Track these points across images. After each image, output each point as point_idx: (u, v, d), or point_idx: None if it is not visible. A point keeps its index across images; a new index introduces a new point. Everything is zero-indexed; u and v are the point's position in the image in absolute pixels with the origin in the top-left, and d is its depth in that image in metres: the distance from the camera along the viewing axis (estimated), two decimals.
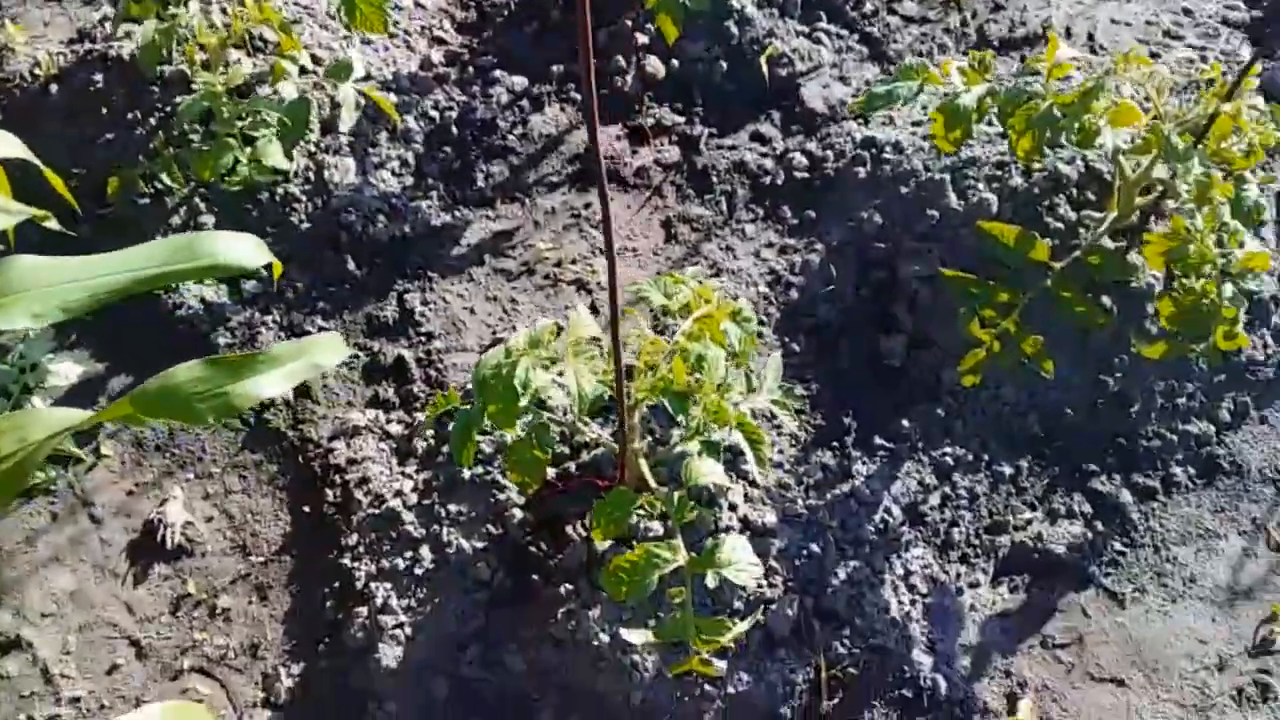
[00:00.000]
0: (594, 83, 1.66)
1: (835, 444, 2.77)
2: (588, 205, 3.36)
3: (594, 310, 3.09)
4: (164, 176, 3.10)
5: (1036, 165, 2.92)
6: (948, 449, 2.74)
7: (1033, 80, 2.60)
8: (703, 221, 3.31)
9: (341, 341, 2.25)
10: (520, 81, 3.57)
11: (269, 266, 2.11)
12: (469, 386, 2.28)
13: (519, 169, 3.44)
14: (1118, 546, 2.63)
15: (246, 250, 2.14)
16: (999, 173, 2.98)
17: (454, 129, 3.44)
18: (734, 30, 3.56)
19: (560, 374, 2.17)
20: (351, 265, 3.15)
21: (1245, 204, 2.37)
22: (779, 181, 3.33)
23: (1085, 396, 2.77)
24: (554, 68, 3.61)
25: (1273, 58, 3.46)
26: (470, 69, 3.60)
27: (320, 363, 2.16)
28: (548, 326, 2.24)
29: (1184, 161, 2.35)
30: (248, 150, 3.04)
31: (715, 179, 3.39)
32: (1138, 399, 2.76)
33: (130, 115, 3.24)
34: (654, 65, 3.57)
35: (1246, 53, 3.47)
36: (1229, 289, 2.33)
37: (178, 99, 3.17)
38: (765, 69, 3.53)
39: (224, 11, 3.38)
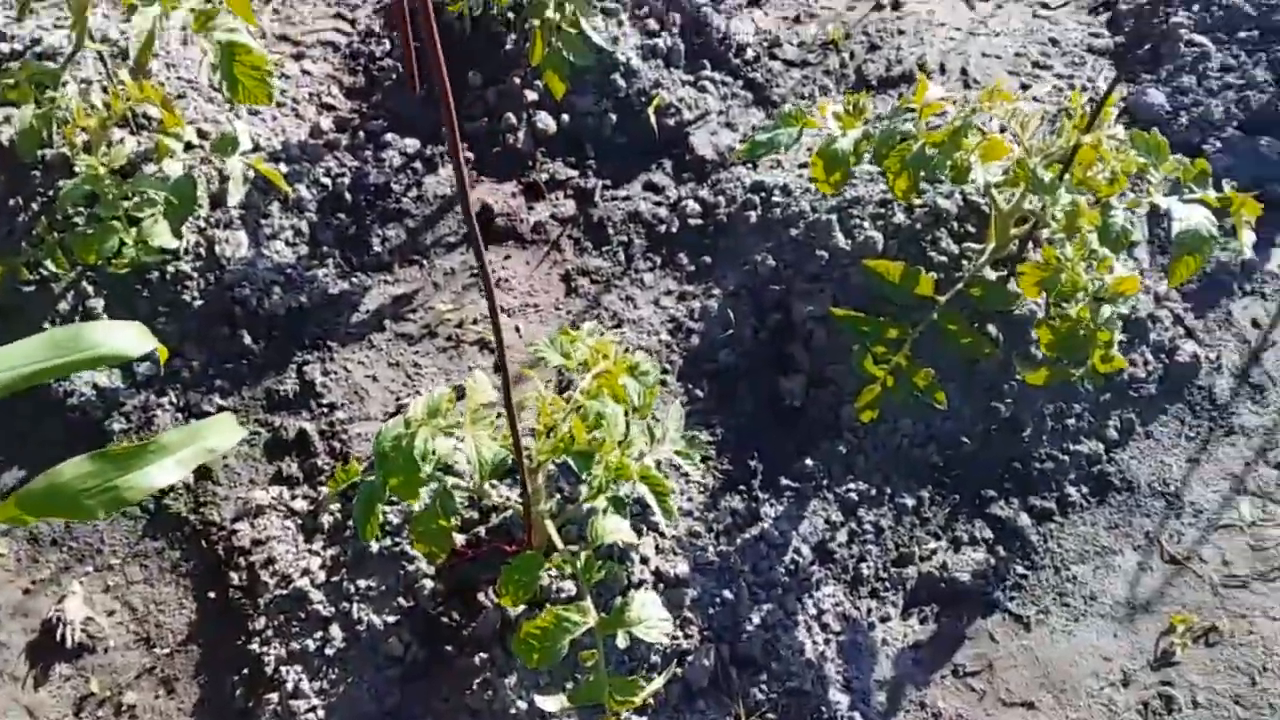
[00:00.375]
0: (460, 147, 1.67)
1: (743, 487, 2.80)
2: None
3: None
4: (49, 263, 3.03)
5: (917, 201, 3.00)
6: (852, 485, 2.78)
7: (905, 119, 2.69)
8: (602, 273, 3.34)
9: (235, 422, 2.22)
10: (412, 144, 3.57)
11: (155, 352, 2.08)
12: (373, 457, 2.27)
13: (416, 231, 3.44)
14: (1020, 570, 2.70)
15: (130, 338, 2.11)
16: (883, 210, 3.07)
17: (347, 195, 3.43)
18: (621, 83, 3.61)
19: (463, 439, 2.17)
20: (248, 340, 3.10)
21: (1112, 230, 2.47)
22: (674, 229, 3.38)
23: (979, 424, 2.85)
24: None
25: (1136, 81, 3.62)
26: (361, 134, 3.59)
27: (214, 447, 2.13)
28: (446, 394, 2.24)
29: (1051, 193, 2.44)
30: (134, 231, 2.99)
31: (612, 230, 3.42)
32: (1029, 423, 2.84)
33: (11, 201, 3.16)
34: (545, 121, 3.60)
35: (1112, 78, 3.62)
36: (1103, 313, 2.42)
37: (60, 182, 3.11)
38: (654, 119, 3.58)
39: (104, 90, 3.33)
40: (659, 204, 3.46)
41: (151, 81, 3.16)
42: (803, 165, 3.39)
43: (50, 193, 3.15)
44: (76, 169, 3.05)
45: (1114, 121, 2.65)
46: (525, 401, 2.33)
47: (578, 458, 2.22)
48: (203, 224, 3.21)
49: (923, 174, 2.60)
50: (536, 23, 3.31)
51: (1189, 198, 2.59)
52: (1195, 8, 3.71)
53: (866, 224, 3.05)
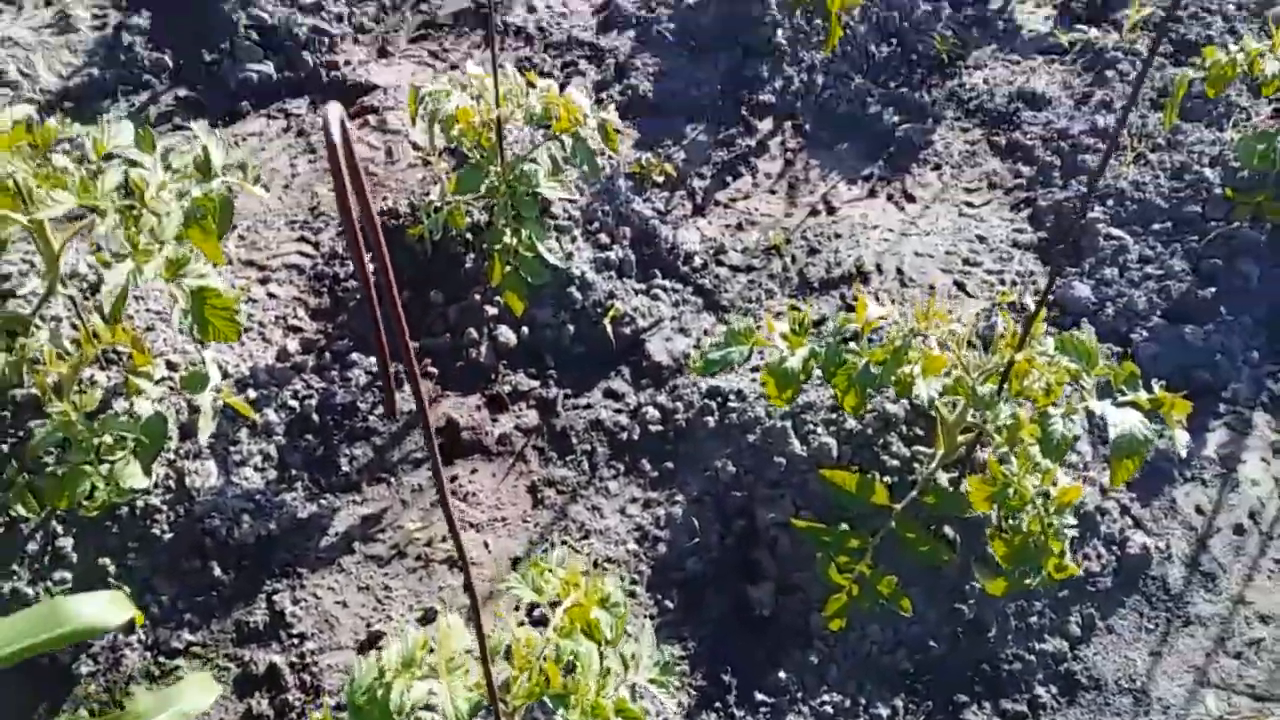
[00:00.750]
0: (417, 366, 1.76)
1: (718, 705, 2.82)
2: (454, 479, 3.43)
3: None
4: (19, 507, 3.06)
5: (866, 406, 3.13)
6: (826, 697, 2.81)
7: (848, 336, 2.84)
8: (567, 483, 3.41)
9: (211, 681, 2.24)
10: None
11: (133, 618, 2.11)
12: (344, 694, 2.27)
13: (383, 449, 3.50)
14: None
15: (107, 609, 2.14)
16: (835, 415, 3.19)
17: (315, 416, 3.50)
18: (577, 295, 3.76)
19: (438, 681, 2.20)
20: (218, 571, 3.12)
21: (1053, 439, 2.59)
22: (635, 436, 3.48)
23: (945, 627, 2.91)
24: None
25: (1062, 275, 3.84)
26: (327, 354, 3.69)
27: (189, 709, 2.15)
28: (419, 640, 2.28)
29: (991, 409, 2.58)
30: (105, 467, 3.03)
31: (575, 439, 3.51)
32: (993, 623, 2.91)
33: None
34: (505, 335, 3.73)
35: (1038, 270, 3.84)
36: (1053, 524, 2.53)
37: (30, 423, 3.17)
38: (610, 329, 3.72)
39: (74, 326, 3.42)
40: (619, 411, 3.57)
41: (123, 319, 3.25)
42: (755, 368, 3.53)
43: (21, 433, 3.20)
44: (48, 411, 3.11)
45: (1045, 317, 2.82)
46: (497, 648, 2.36)
47: (553, 699, 2.25)
48: (172, 456, 3.26)
49: (869, 390, 2.74)
50: (496, 247, 3.48)
51: (1122, 401, 2.74)
52: (1110, 203, 3.97)
53: (820, 430, 3.17)
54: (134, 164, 3.03)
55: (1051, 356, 2.65)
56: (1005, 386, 2.66)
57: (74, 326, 3.41)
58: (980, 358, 2.74)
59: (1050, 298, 3.70)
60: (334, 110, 1.24)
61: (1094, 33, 4.69)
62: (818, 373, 3.32)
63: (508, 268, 3.50)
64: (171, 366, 3.49)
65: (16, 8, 4.60)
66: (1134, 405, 2.73)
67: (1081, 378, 2.77)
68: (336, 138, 1.21)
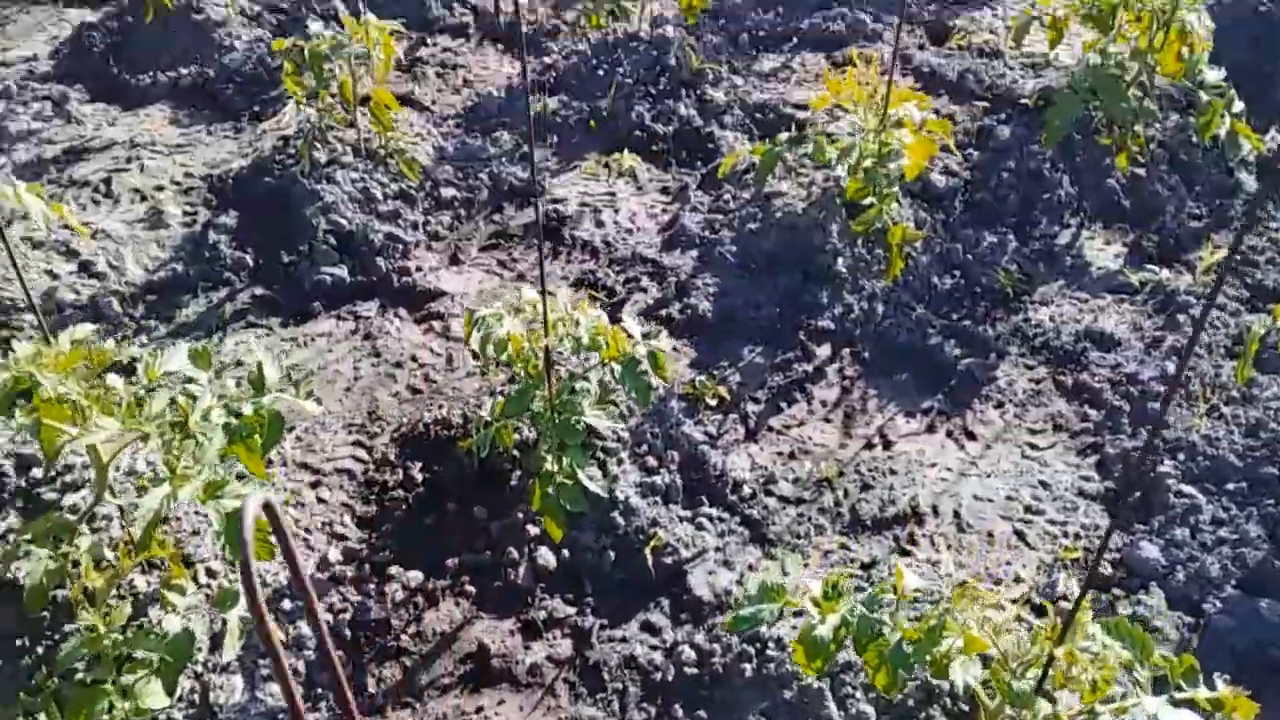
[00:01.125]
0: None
1: None
2: (479, 709, 3.34)
3: None
4: (42, 716, 3.06)
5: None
6: None
7: (883, 609, 2.71)
8: None
9: None
10: (416, 577, 3.65)
11: None
12: None
13: (411, 670, 3.43)
14: None
15: None
16: None
17: (347, 631, 3.47)
18: (620, 520, 3.70)
19: None
20: None
21: None
22: (669, 677, 3.35)
23: None
24: (449, 561, 3.71)
25: (1130, 531, 3.65)
26: (367, 566, 3.68)
27: None
28: None
29: (1030, 708, 2.41)
30: (129, 679, 3.01)
31: (607, 675, 3.39)
32: None
33: (19, 641, 3.25)
34: (545, 557, 3.68)
35: (1104, 524, 3.66)
36: None
37: (67, 626, 3.20)
38: (651, 559, 3.64)
39: (121, 527, 3.48)
40: (655, 648, 3.45)
41: (152, 540, 3.29)
42: (797, 613, 3.39)
43: (56, 636, 3.23)
44: (80, 621, 3.14)
45: (1112, 578, 2.65)
46: None
47: None
48: (200, 669, 3.25)
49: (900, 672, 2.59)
50: (538, 472, 3.47)
51: (1179, 699, 2.54)
52: (1181, 456, 3.80)
53: (859, 695, 3.01)
54: (190, 380, 3.13)
55: (1095, 653, 2.48)
56: (1047, 677, 2.49)
57: (120, 526, 3.48)
58: (1022, 643, 2.58)
59: (1116, 553, 3.51)
60: (253, 502, 1.23)
61: (1166, 273, 4.60)
62: None
63: (549, 491, 3.48)
64: (211, 574, 3.51)
65: (113, 201, 4.89)
66: (1192, 704, 2.53)
67: (1135, 668, 2.59)
68: (249, 533, 1.20)
